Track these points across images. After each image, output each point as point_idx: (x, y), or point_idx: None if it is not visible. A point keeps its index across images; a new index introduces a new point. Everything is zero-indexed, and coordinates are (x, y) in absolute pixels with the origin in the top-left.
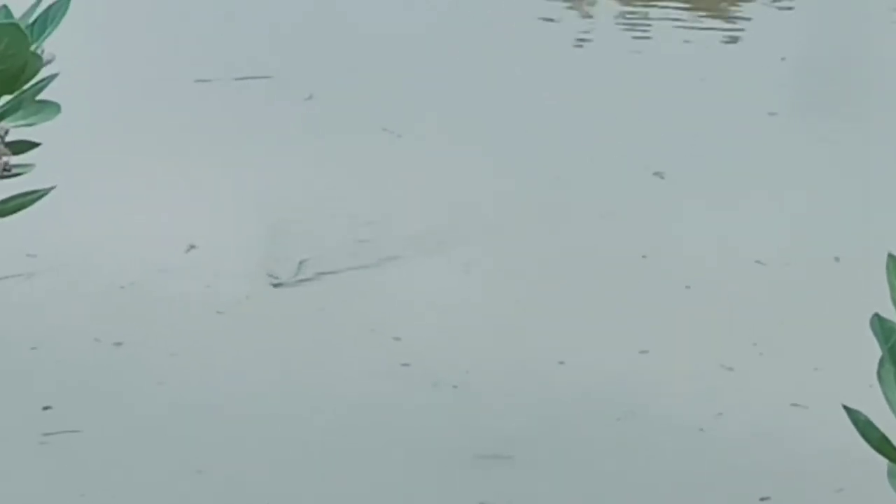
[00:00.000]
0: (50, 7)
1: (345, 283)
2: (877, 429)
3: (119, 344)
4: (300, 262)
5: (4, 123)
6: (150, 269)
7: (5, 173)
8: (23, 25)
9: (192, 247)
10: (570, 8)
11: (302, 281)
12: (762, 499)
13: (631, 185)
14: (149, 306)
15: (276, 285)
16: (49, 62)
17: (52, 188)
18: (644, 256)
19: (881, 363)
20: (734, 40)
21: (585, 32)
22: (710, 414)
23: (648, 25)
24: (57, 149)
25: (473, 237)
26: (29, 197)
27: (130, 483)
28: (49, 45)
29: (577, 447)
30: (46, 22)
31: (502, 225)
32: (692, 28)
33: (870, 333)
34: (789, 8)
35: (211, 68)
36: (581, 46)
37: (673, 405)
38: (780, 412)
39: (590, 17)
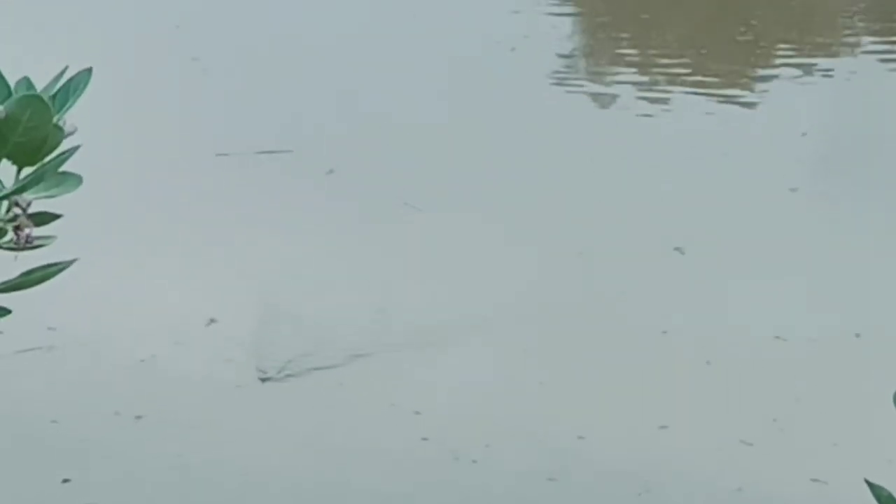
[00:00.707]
0: (72, 79)
1: (368, 363)
2: None
3: (139, 417)
4: (316, 343)
5: (27, 195)
6: (170, 342)
7: (28, 245)
8: (45, 97)
9: (213, 321)
10: (594, 99)
11: (319, 368)
12: None
13: (651, 260)
14: (168, 380)
15: (269, 379)
16: (71, 134)
17: (74, 260)
18: (664, 332)
19: None
20: (755, 114)
21: (606, 104)
22: (729, 489)
23: (669, 97)
24: (78, 221)
25: (494, 312)
26: (51, 269)
27: None
28: (71, 117)
29: None
30: (68, 94)
31: (523, 301)
32: (714, 100)
33: (889, 409)
34: (810, 83)
35: (232, 142)
36: (601, 117)
37: (693, 480)
38: (800, 487)
39: (611, 94)
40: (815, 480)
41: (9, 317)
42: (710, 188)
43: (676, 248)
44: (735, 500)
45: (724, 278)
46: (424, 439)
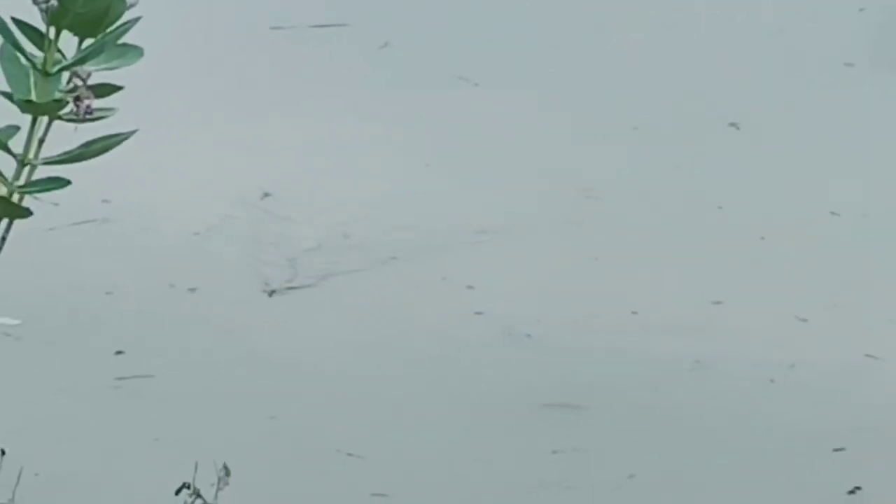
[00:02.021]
0: None
1: (418, 235)
2: None
3: (193, 290)
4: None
5: (87, 66)
6: (225, 215)
7: (87, 117)
8: None
9: (267, 194)
10: None
11: (369, 245)
12: (836, 450)
13: (706, 135)
14: (223, 252)
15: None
16: (132, 6)
17: (134, 132)
18: (719, 207)
19: None
20: None
21: None
22: (782, 365)
23: None
24: (138, 93)
25: (548, 189)
26: (111, 140)
27: (203, 428)
28: None
29: (647, 397)
30: None
31: (577, 177)
32: None
33: None
34: None
35: (286, 16)
36: None
37: (745, 356)
38: (854, 364)
39: None
40: (869, 356)
41: (64, 189)
42: (764, 64)
43: (732, 124)
44: (788, 375)
45: (778, 154)
46: (478, 313)
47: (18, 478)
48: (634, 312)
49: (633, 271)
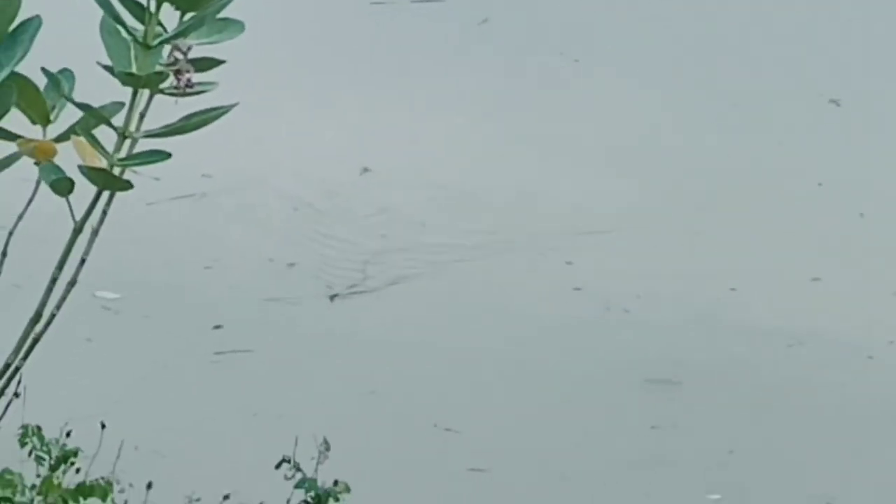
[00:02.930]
0: None
1: (518, 213)
2: None
3: (292, 265)
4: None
5: (187, 40)
6: (324, 190)
7: (188, 90)
8: None
9: (366, 169)
10: None
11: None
12: None
13: (807, 111)
14: (322, 227)
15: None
16: None
17: (234, 105)
18: (819, 184)
19: None
20: None
21: None
22: (881, 342)
23: None
24: (239, 68)
25: (647, 159)
26: (211, 114)
27: (302, 402)
28: None
29: (746, 373)
30: None
31: (676, 149)
32: None
33: None
34: None
35: None
36: None
37: (844, 333)
38: None
39: None
40: None
41: (164, 163)
42: (864, 40)
43: (832, 101)
44: (887, 352)
45: (879, 130)
46: (576, 289)
47: (119, 452)
48: (733, 289)
49: (732, 248)
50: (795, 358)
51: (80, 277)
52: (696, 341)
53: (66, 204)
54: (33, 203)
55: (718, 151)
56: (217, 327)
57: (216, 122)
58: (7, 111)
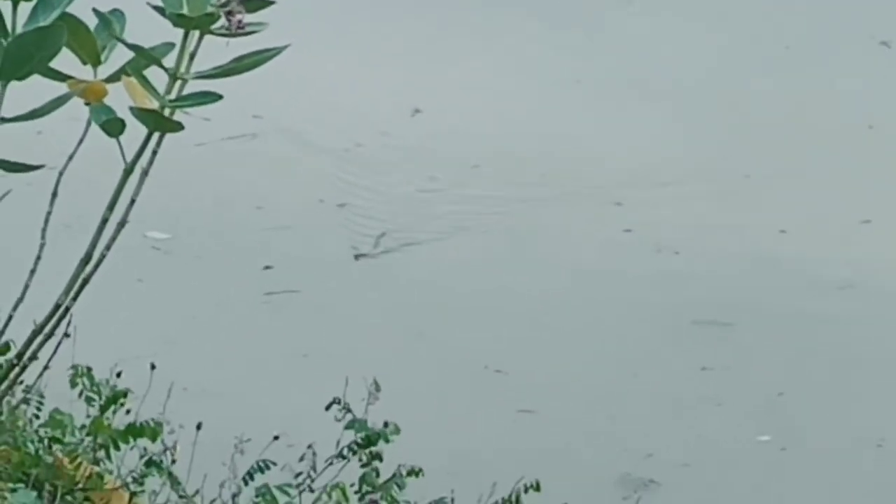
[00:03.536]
0: None
1: (569, 154)
2: None
3: (342, 205)
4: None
5: None
6: (375, 131)
7: (239, 31)
8: None
9: (418, 111)
10: None
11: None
12: None
13: (858, 54)
14: (372, 169)
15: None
16: None
17: (286, 47)
18: (870, 127)
19: None
20: None
21: None
22: None
23: None
24: (289, 9)
25: (698, 104)
26: (263, 55)
27: (352, 344)
28: None
29: (796, 316)
30: None
31: (726, 93)
32: None
33: None
34: None
35: None
36: None
37: (893, 276)
38: None
39: None
40: None
41: (215, 104)
42: None
43: (883, 42)
44: None
45: None
46: (627, 231)
47: (169, 392)
48: (783, 231)
49: (782, 190)
50: (846, 300)
51: (131, 218)
52: (746, 283)
53: (116, 145)
54: (84, 144)
55: (769, 95)
56: (267, 268)
57: (267, 63)
58: (58, 51)
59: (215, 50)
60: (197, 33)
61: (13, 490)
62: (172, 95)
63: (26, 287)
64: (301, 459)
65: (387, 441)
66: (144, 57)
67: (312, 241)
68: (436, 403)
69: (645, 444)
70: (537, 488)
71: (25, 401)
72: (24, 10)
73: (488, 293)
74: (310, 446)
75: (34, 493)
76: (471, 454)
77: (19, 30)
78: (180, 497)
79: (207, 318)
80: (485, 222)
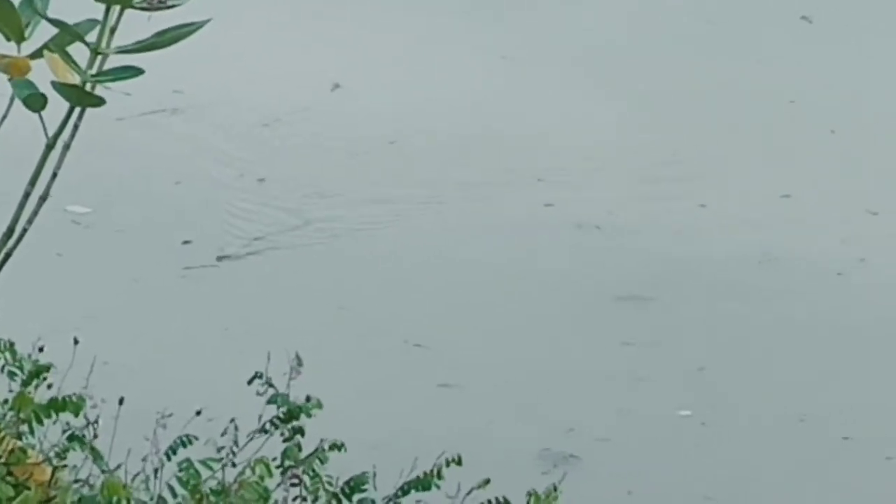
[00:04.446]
0: None
1: (490, 133)
2: None
3: (262, 180)
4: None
5: None
6: (295, 107)
7: (161, 5)
8: None
9: (337, 86)
10: None
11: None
12: None
13: (779, 28)
14: (292, 144)
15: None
16: None
17: (207, 21)
18: (791, 101)
19: None
20: None
21: None
22: (852, 259)
23: None
24: None
25: (620, 79)
26: (184, 30)
27: (272, 318)
28: None
29: (717, 290)
30: None
31: (648, 68)
32: None
33: None
34: None
35: None
36: None
37: (814, 250)
38: None
39: None
40: None
41: (135, 79)
42: None
43: (803, 17)
44: (859, 269)
45: (850, 48)
46: (548, 205)
47: (91, 367)
48: (703, 206)
49: (702, 165)
50: (766, 275)
51: (52, 192)
52: (666, 258)
53: (37, 120)
54: (5, 120)
55: (692, 69)
56: (186, 242)
57: (189, 38)
58: None
59: (137, 24)
60: (118, 8)
61: None
62: (94, 70)
63: None
64: (223, 434)
65: (308, 416)
66: (68, 33)
67: (231, 215)
68: (356, 378)
69: (566, 418)
70: (459, 462)
71: None
72: None
73: (409, 267)
74: (232, 420)
75: None
76: (392, 429)
77: None
78: (102, 472)
79: (128, 292)
80: (404, 196)
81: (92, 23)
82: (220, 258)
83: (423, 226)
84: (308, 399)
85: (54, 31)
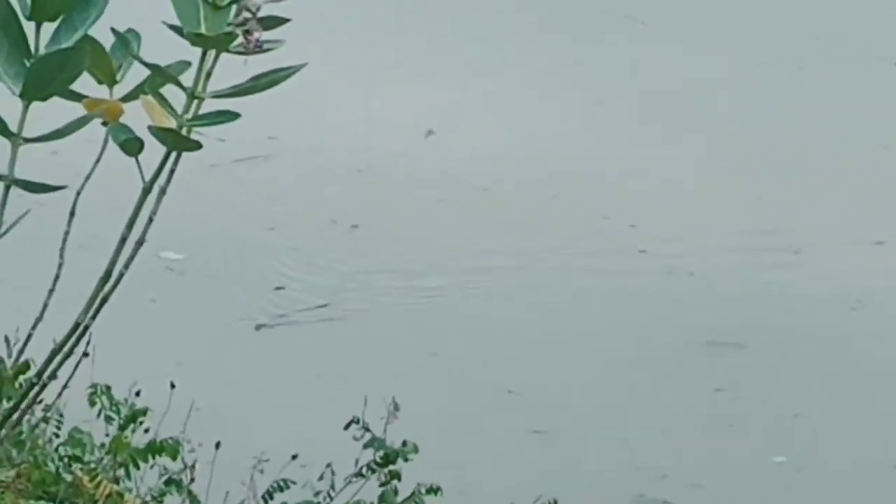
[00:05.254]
0: None
1: (583, 176)
2: None
3: (356, 226)
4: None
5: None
6: (389, 153)
7: (257, 49)
8: None
9: (431, 132)
10: None
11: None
12: None
13: (871, 73)
14: (386, 190)
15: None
16: None
17: (303, 65)
18: (885, 147)
19: None
20: None
21: None
22: None
23: None
24: (305, 26)
25: (711, 123)
26: (280, 74)
27: (366, 365)
28: None
29: (809, 337)
30: None
31: (741, 112)
32: None
33: None
34: None
35: None
36: None
37: None
38: None
39: None
40: None
41: (229, 125)
42: None
43: None
44: None
45: None
46: (642, 252)
47: (189, 412)
48: (797, 252)
49: (796, 210)
50: (859, 321)
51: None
52: (759, 304)
53: (123, 165)
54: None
55: (783, 112)
56: (279, 288)
57: (282, 84)
58: (80, 73)
59: (230, 68)
60: (214, 52)
61: None
62: (189, 115)
63: (45, 306)
64: (320, 478)
65: (406, 460)
66: (161, 75)
67: (324, 262)
68: (451, 423)
69: (659, 464)
70: None
71: (45, 419)
72: (47, 30)
73: (503, 314)
74: (328, 465)
75: None
76: (486, 474)
77: (42, 51)
78: None
79: (221, 339)
80: (497, 243)
81: (183, 64)
82: (317, 307)
83: (515, 272)
84: (405, 443)
85: (144, 75)
